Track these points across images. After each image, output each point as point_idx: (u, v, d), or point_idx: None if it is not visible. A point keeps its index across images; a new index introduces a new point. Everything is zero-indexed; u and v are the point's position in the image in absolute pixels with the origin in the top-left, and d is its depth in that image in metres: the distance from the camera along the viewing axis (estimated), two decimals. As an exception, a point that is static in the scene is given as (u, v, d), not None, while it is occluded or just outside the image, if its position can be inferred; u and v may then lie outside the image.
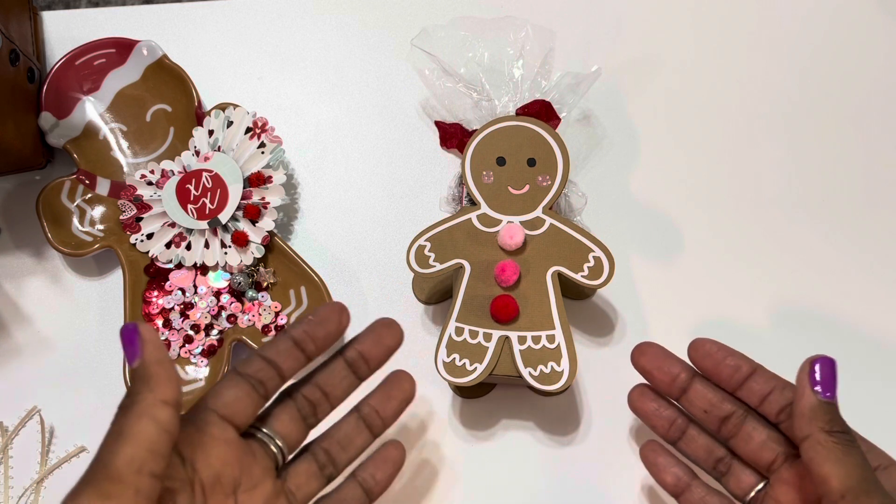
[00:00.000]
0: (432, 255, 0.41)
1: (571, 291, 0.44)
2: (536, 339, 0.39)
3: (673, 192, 0.49)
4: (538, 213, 0.41)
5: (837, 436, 0.31)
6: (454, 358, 0.39)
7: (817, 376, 0.32)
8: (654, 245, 0.48)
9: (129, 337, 0.30)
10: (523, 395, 0.45)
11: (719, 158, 0.49)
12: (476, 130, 0.42)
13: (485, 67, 0.45)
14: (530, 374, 0.39)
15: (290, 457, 0.36)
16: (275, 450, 0.34)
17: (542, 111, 0.43)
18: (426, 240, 0.41)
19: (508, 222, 0.41)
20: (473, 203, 0.42)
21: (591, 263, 0.40)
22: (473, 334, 0.39)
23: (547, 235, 0.41)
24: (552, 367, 0.39)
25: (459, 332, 0.40)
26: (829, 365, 0.33)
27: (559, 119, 0.44)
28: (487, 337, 0.39)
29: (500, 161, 0.42)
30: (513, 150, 0.42)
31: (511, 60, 0.45)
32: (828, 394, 0.32)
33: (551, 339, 0.39)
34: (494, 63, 0.45)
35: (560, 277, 0.40)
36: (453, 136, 0.47)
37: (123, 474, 0.27)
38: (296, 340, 0.34)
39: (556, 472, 0.44)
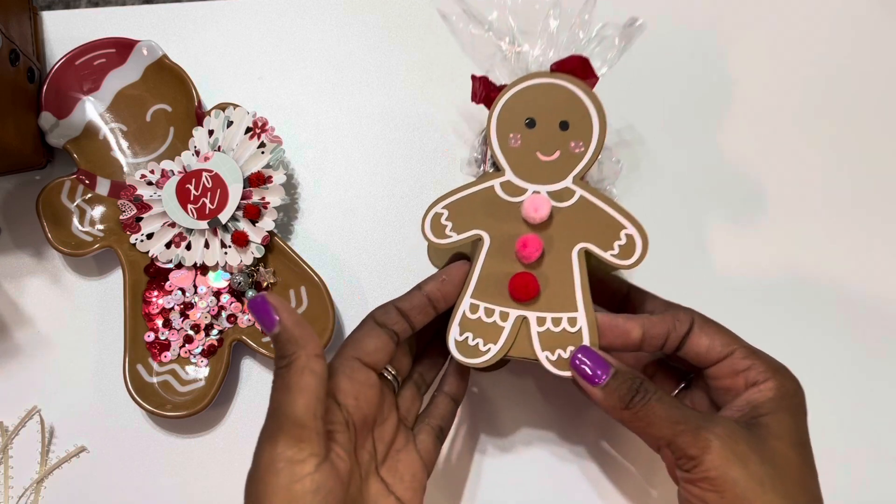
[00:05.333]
0: (449, 224, 0.38)
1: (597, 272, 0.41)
2: (557, 322, 0.36)
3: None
4: (568, 182, 0.37)
5: (635, 404, 0.33)
6: (467, 337, 0.37)
7: (584, 373, 0.35)
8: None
9: (262, 308, 0.33)
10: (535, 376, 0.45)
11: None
12: (504, 86, 0.38)
13: (517, 14, 0.40)
14: (547, 358, 0.36)
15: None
16: (395, 385, 0.39)
17: (578, 68, 0.38)
18: (444, 207, 0.38)
19: (534, 192, 0.37)
20: (497, 168, 0.38)
21: (623, 241, 0.36)
22: (489, 312, 0.37)
23: (576, 208, 0.37)
24: (571, 351, 0.36)
25: (474, 309, 0.37)
26: (586, 355, 0.35)
27: (597, 77, 0.39)
28: (504, 316, 0.37)
29: (530, 123, 0.38)
30: (545, 111, 0.37)
31: (547, 7, 0.40)
32: (597, 380, 0.34)
33: (573, 321, 0.36)
34: (528, 9, 0.40)
35: (587, 255, 0.37)
36: (481, 93, 0.41)
37: (306, 421, 0.31)
38: (430, 297, 0.37)
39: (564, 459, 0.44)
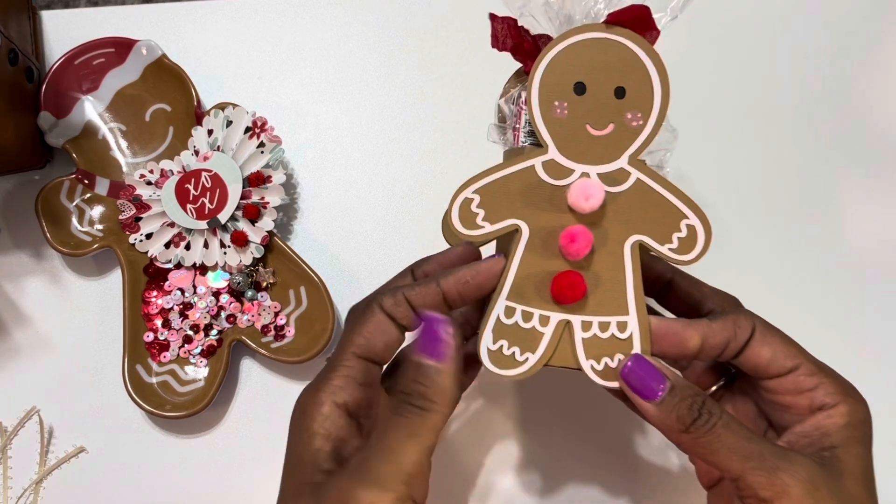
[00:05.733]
0: (481, 213, 0.32)
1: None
2: (604, 326, 0.32)
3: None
4: (622, 163, 0.32)
5: (698, 428, 0.29)
6: (502, 345, 0.32)
7: (636, 385, 0.30)
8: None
9: (436, 333, 0.29)
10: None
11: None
12: (542, 37, 0.33)
13: None
14: (592, 367, 0.32)
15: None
16: None
17: (638, 19, 0.32)
18: (475, 191, 0.32)
19: (583, 174, 0.32)
20: (538, 143, 0.33)
21: (683, 234, 0.31)
22: (527, 316, 0.32)
23: (631, 194, 0.32)
24: (619, 360, 0.31)
25: (510, 313, 0.32)
26: (638, 366, 0.30)
27: (658, 31, 0.32)
28: (544, 320, 0.32)
29: (580, 88, 0.32)
30: (597, 75, 0.31)
31: None
32: (651, 394, 0.30)
33: (622, 326, 0.31)
34: None
35: (641, 249, 0.32)
36: (506, 37, 0.34)
37: (405, 479, 0.28)
38: (445, 296, 0.32)
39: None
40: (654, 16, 0.32)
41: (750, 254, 0.48)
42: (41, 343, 0.47)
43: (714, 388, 0.35)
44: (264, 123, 0.45)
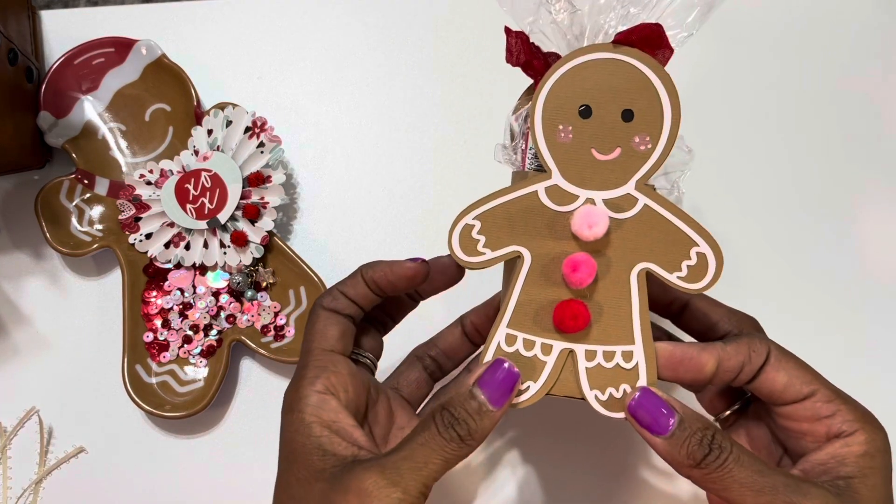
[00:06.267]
0: (482, 239, 0.31)
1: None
2: (609, 356, 0.31)
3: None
4: (629, 188, 0.31)
5: (708, 464, 0.28)
6: None
7: (645, 420, 0.30)
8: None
9: (504, 381, 0.30)
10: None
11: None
12: (551, 55, 0.32)
13: None
14: (597, 397, 0.31)
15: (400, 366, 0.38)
16: (372, 367, 0.36)
17: (649, 38, 0.30)
18: (475, 217, 0.31)
19: (587, 200, 0.31)
20: (542, 168, 0.32)
21: (693, 262, 0.30)
22: (528, 345, 0.31)
23: (637, 221, 0.31)
24: (625, 390, 0.31)
25: (511, 340, 0.31)
26: (647, 399, 0.30)
27: (672, 49, 0.31)
28: (546, 349, 0.31)
29: (585, 112, 0.31)
30: (604, 97, 0.30)
31: None
32: (660, 430, 0.29)
33: (628, 356, 0.31)
34: None
35: (648, 277, 0.31)
36: (519, 53, 0.33)
37: (424, 491, 0.29)
38: (376, 284, 0.34)
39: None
40: (669, 33, 0.30)
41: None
42: (41, 343, 0.47)
43: (728, 412, 0.35)
44: (264, 123, 0.45)
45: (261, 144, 0.45)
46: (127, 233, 0.45)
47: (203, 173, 0.45)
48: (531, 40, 0.32)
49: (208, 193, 0.45)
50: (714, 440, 0.29)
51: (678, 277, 0.31)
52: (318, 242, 0.48)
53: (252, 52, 0.50)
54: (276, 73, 0.50)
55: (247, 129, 0.45)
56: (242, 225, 0.45)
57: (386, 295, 0.34)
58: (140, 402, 0.44)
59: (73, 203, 0.46)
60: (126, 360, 0.44)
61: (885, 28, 0.50)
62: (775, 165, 0.49)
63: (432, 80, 0.50)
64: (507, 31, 0.33)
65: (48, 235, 0.45)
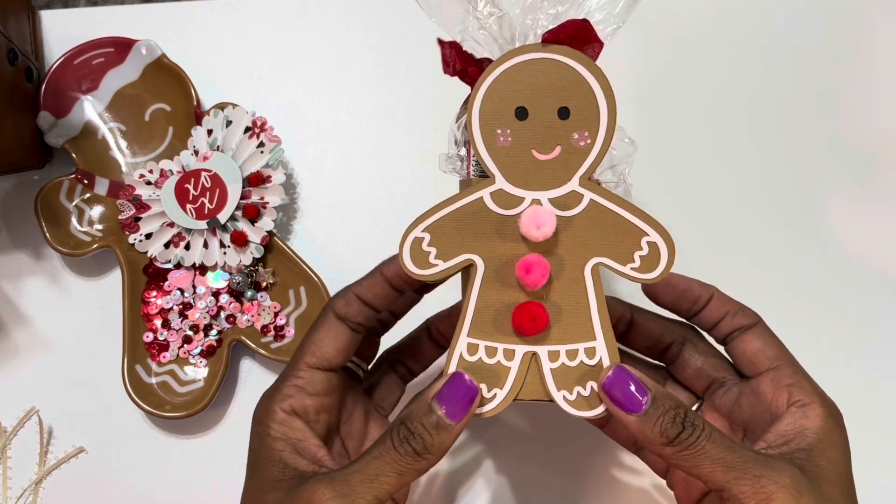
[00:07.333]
0: (433, 251, 0.31)
1: None
2: (572, 355, 0.31)
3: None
4: (573, 185, 0.31)
5: (681, 442, 0.29)
6: None
7: (619, 397, 0.30)
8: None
9: (463, 397, 0.30)
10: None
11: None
12: (484, 61, 0.32)
13: None
14: (565, 398, 0.31)
15: (370, 368, 0.38)
16: (360, 372, 0.37)
17: (577, 35, 0.31)
18: (424, 230, 0.31)
19: (533, 201, 0.31)
20: (485, 174, 0.31)
21: (644, 251, 0.31)
22: (491, 352, 0.31)
23: (586, 216, 0.31)
24: (592, 388, 0.31)
25: (472, 350, 0.31)
26: (620, 377, 0.30)
27: (601, 43, 0.31)
28: (509, 354, 0.31)
29: (521, 113, 0.31)
30: (538, 96, 0.30)
31: None
32: (636, 408, 0.29)
33: (591, 352, 0.31)
34: None
35: (602, 270, 0.31)
36: (454, 62, 0.33)
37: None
38: (391, 283, 0.34)
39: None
40: (598, 27, 0.31)
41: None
42: (41, 343, 0.47)
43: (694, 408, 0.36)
44: (264, 123, 0.45)
45: (261, 144, 0.45)
46: (127, 233, 0.45)
47: (203, 173, 0.45)
48: (464, 48, 0.33)
49: (208, 193, 0.45)
50: (687, 418, 0.29)
51: (632, 269, 0.31)
52: (318, 242, 0.48)
53: (252, 52, 0.50)
54: (276, 73, 0.50)
55: (247, 129, 0.45)
56: (242, 225, 0.45)
57: (406, 290, 0.34)
58: (140, 402, 0.44)
59: (73, 203, 0.46)
60: (126, 360, 0.44)
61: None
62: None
63: (432, 80, 0.50)
64: (441, 42, 0.33)
65: (48, 235, 0.45)
